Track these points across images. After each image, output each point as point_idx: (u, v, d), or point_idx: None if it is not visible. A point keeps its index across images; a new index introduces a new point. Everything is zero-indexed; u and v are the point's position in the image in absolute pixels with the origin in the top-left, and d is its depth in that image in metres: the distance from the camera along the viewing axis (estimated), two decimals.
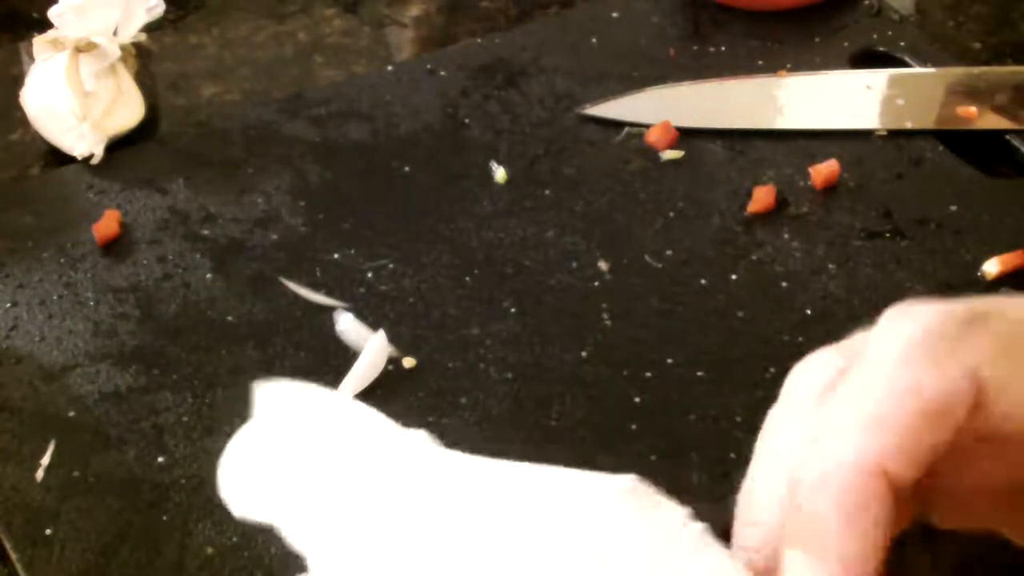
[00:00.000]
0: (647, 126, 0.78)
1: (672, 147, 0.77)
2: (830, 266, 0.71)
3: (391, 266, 0.70)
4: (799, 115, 0.80)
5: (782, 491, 0.35)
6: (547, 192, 0.75)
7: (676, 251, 0.71)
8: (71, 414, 0.63)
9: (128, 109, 0.78)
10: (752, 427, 0.64)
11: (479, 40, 0.86)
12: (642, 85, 0.81)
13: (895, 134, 0.78)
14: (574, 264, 0.71)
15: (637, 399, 0.64)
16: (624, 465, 0.60)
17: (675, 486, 0.61)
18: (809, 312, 0.68)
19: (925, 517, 0.39)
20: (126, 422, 0.62)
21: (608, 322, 0.68)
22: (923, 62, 0.83)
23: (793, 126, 0.79)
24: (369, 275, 0.70)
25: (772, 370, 0.65)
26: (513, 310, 0.68)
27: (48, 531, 0.58)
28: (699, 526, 0.36)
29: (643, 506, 0.37)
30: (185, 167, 0.76)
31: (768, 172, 0.76)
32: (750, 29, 0.86)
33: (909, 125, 0.78)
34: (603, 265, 0.71)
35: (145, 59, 0.80)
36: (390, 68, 0.84)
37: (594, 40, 0.85)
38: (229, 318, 0.68)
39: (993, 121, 0.79)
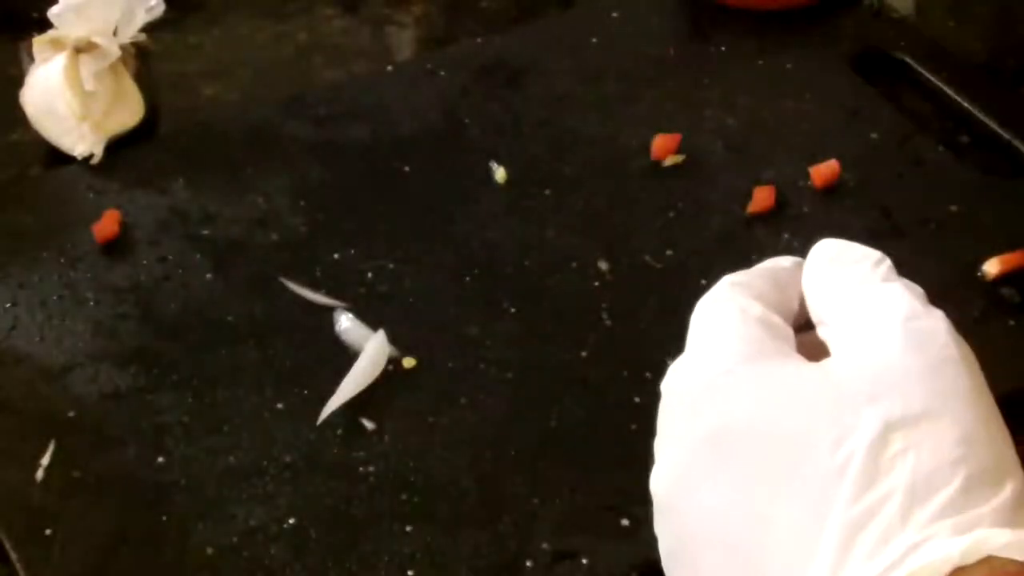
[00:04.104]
0: None
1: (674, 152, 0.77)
2: None
3: (391, 266, 0.70)
4: None
5: None
6: (547, 192, 0.75)
7: (676, 251, 0.71)
8: (71, 414, 0.63)
9: (128, 109, 0.78)
10: None
11: (479, 40, 0.86)
12: (642, 85, 0.81)
13: (895, 134, 0.78)
14: (574, 264, 0.71)
15: (637, 399, 0.64)
16: (624, 465, 0.61)
17: None
18: None
19: None
20: (126, 422, 0.62)
21: (608, 322, 0.68)
22: (923, 62, 0.83)
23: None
24: (369, 275, 0.70)
25: None
26: (513, 310, 0.68)
27: (48, 531, 0.58)
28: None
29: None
30: (185, 167, 0.76)
31: (768, 172, 0.76)
32: (750, 29, 0.86)
33: None
34: (603, 265, 0.71)
35: (145, 59, 0.80)
36: (390, 68, 0.84)
37: (594, 40, 0.85)
38: (229, 318, 0.68)
39: None
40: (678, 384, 0.48)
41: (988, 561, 0.40)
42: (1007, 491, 0.42)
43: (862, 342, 0.45)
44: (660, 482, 0.47)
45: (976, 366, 0.45)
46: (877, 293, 0.46)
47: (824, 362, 0.46)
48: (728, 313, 0.48)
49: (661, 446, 0.48)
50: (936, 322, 0.45)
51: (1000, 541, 0.40)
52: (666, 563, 0.47)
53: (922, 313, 0.45)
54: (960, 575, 0.40)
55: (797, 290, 0.50)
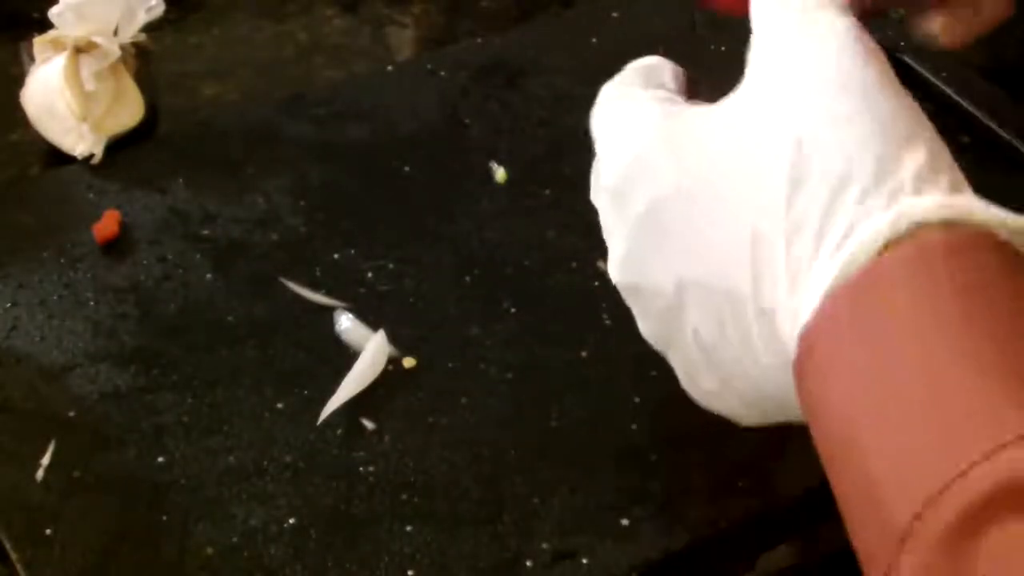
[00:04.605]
0: None
1: None
2: None
3: (391, 266, 0.70)
4: None
5: None
6: (547, 192, 0.75)
7: None
8: (71, 414, 0.63)
9: (128, 109, 0.78)
10: (751, 427, 0.63)
11: (479, 40, 0.86)
12: None
13: None
14: (574, 264, 0.71)
15: (637, 399, 0.64)
16: (624, 465, 0.61)
17: (676, 486, 0.61)
18: None
19: None
20: (126, 422, 0.62)
21: (608, 322, 0.68)
22: (923, 62, 0.83)
23: None
24: (369, 275, 0.70)
25: None
26: (513, 310, 0.68)
27: (48, 531, 0.58)
28: None
29: None
30: (185, 167, 0.76)
31: None
32: (750, 29, 0.86)
33: None
34: (603, 265, 0.71)
35: (145, 59, 0.80)
36: (390, 68, 0.84)
37: (594, 40, 0.85)
38: (229, 318, 0.68)
39: None
40: (603, 181, 0.51)
41: (918, 231, 0.42)
42: (921, 155, 0.44)
43: (768, 61, 0.49)
44: (616, 268, 0.51)
45: (881, 56, 0.47)
46: (799, 16, 0.49)
47: (731, 97, 0.49)
48: (621, 107, 0.51)
49: (608, 239, 0.52)
50: (840, 20, 0.47)
51: (922, 207, 0.42)
52: (651, 337, 0.52)
53: (828, 15, 0.48)
54: (892, 249, 0.41)
55: (670, 75, 0.53)
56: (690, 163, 0.47)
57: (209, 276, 0.70)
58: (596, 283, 0.70)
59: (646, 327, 0.51)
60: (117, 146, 0.77)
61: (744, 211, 0.45)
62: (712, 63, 0.84)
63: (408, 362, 0.65)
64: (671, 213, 0.47)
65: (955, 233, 0.42)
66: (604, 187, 0.51)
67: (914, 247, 0.41)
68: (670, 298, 0.49)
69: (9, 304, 0.68)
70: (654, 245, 0.48)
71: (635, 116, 0.50)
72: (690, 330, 0.49)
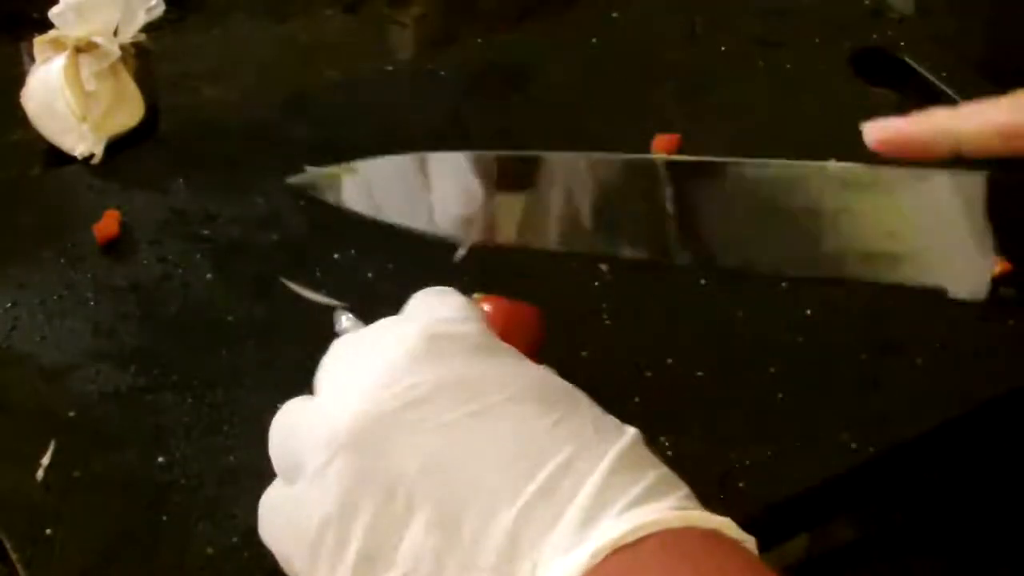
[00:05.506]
0: None
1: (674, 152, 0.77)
2: None
3: (391, 266, 0.70)
4: None
5: None
6: None
7: None
8: (71, 414, 0.63)
9: (128, 109, 0.78)
10: (752, 427, 0.64)
11: (479, 40, 0.86)
12: (642, 85, 0.81)
13: None
14: (574, 264, 0.71)
15: (637, 399, 0.64)
16: None
17: None
18: (809, 312, 0.68)
19: None
20: (126, 422, 0.62)
21: (608, 322, 0.68)
22: (923, 62, 0.83)
23: None
24: (369, 275, 0.70)
25: (772, 370, 0.65)
26: None
27: (48, 531, 0.58)
28: None
29: None
30: (185, 167, 0.76)
31: None
32: (750, 30, 0.86)
33: None
34: (603, 265, 0.71)
35: (145, 59, 0.80)
36: (390, 68, 0.84)
37: (594, 40, 0.85)
38: (229, 318, 0.68)
39: None
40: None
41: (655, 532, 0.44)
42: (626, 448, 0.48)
43: None
44: None
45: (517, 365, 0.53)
46: None
47: None
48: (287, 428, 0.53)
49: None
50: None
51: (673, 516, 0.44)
52: None
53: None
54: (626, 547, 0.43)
55: None
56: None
57: (209, 276, 0.70)
58: (596, 283, 0.70)
59: None
60: (117, 146, 0.77)
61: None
62: (712, 63, 0.84)
63: None
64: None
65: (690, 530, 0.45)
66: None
67: (656, 542, 0.44)
68: None
69: (9, 304, 0.68)
70: None
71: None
72: None
